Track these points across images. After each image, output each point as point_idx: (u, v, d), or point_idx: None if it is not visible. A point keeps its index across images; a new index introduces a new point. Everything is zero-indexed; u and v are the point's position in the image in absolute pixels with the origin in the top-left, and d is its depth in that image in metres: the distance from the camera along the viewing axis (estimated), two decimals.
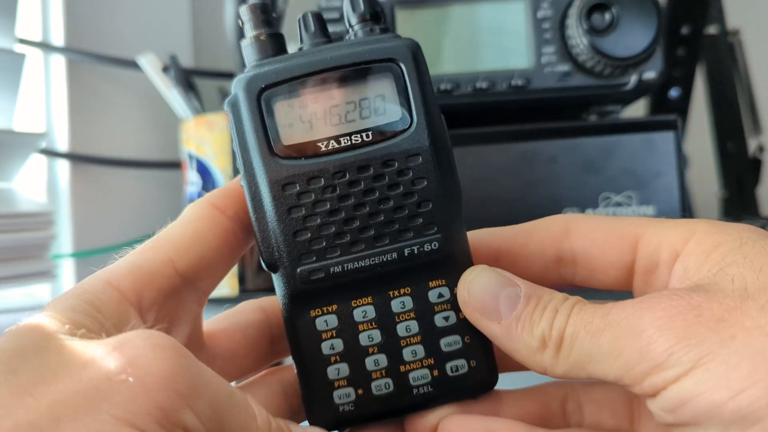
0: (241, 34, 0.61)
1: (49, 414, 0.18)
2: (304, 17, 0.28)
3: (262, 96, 0.26)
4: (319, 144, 0.26)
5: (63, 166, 0.67)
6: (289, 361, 0.30)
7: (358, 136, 0.26)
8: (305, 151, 0.26)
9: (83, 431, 0.17)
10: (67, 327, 0.21)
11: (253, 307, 0.30)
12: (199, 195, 0.62)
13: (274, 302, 0.30)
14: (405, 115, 0.26)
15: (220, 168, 0.60)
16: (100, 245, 0.68)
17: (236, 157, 0.27)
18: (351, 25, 0.28)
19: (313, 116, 0.26)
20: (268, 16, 0.27)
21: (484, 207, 0.48)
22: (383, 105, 0.26)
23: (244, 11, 0.28)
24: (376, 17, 0.27)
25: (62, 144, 0.67)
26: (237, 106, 0.26)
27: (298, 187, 0.26)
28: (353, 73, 0.26)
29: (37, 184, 0.68)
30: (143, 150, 0.73)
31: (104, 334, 0.21)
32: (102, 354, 0.19)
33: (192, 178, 0.62)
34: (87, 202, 0.68)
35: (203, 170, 0.61)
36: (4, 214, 0.56)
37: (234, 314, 0.30)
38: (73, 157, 0.67)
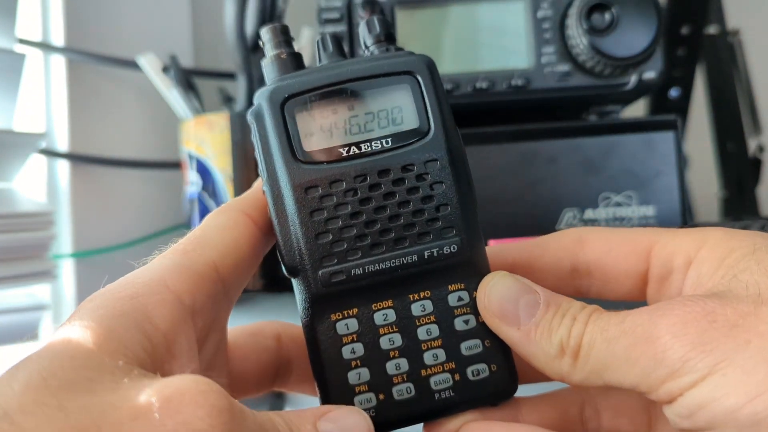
0: (241, 35, 0.61)
1: None
2: (323, 38, 0.29)
3: (286, 105, 0.27)
4: (341, 150, 0.27)
5: (63, 166, 0.67)
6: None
7: (378, 142, 0.27)
8: (327, 156, 0.27)
9: None
10: (121, 362, 0.20)
11: (271, 333, 0.31)
12: (199, 195, 0.62)
13: (290, 332, 0.31)
14: (423, 124, 0.27)
15: (220, 168, 0.60)
16: (100, 245, 0.68)
17: (259, 165, 0.27)
18: (367, 46, 0.29)
19: (334, 125, 0.27)
20: (287, 36, 0.29)
21: (484, 207, 0.48)
22: (401, 115, 0.27)
23: (265, 33, 0.29)
24: (391, 38, 0.29)
25: (62, 144, 0.67)
26: (261, 116, 0.27)
27: (320, 190, 0.26)
28: (372, 84, 0.27)
29: (37, 184, 0.68)
30: (143, 150, 0.73)
31: (153, 350, 0.21)
32: (158, 407, 0.18)
33: (192, 178, 0.62)
34: (87, 202, 0.68)
35: (203, 170, 0.61)
36: (4, 214, 0.56)
37: (253, 333, 0.30)
38: (73, 157, 0.67)
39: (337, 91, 0.27)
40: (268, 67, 0.28)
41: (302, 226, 0.26)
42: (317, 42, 0.29)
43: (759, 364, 0.20)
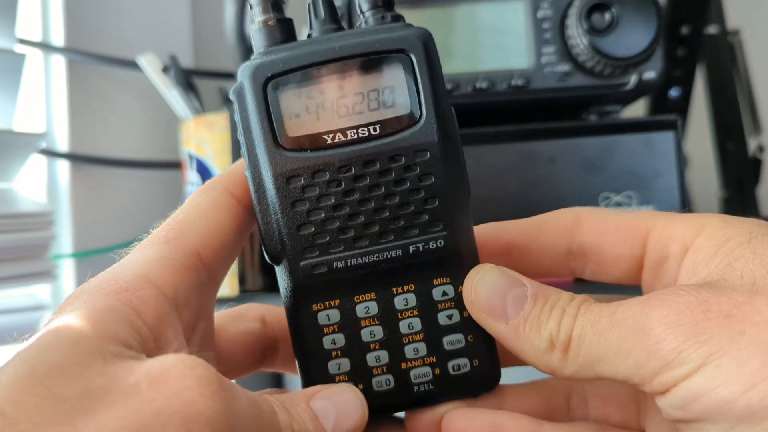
0: (241, 35, 0.61)
1: None
2: (314, 3, 0.27)
3: (268, 85, 0.25)
4: (326, 136, 0.25)
5: (63, 166, 0.67)
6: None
7: (366, 129, 0.25)
8: (311, 143, 0.25)
9: None
10: (111, 344, 0.20)
11: (255, 316, 0.30)
12: None
13: (275, 314, 0.30)
14: (414, 108, 0.25)
15: (220, 168, 0.60)
16: (100, 245, 0.68)
17: (241, 146, 0.26)
18: (362, 11, 0.27)
19: (320, 107, 0.25)
20: (277, 0, 0.27)
21: (484, 207, 0.48)
22: (392, 97, 0.26)
23: None
24: (388, 4, 0.27)
25: (62, 144, 0.67)
26: (242, 95, 0.26)
27: (302, 181, 0.25)
28: (362, 63, 0.25)
29: (37, 184, 0.68)
30: (143, 150, 0.73)
31: (142, 342, 0.21)
32: (147, 384, 0.19)
33: (192, 178, 0.62)
34: (87, 202, 0.68)
35: (203, 170, 0.61)
36: (4, 214, 0.56)
37: (238, 317, 0.30)
38: (73, 157, 0.67)
39: (323, 71, 0.25)
40: (255, 34, 0.27)
41: (284, 216, 0.25)
42: (308, 5, 0.27)
43: (753, 355, 0.20)
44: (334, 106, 0.25)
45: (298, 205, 0.25)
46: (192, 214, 0.26)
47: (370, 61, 0.25)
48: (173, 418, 0.18)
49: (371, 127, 0.25)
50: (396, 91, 0.26)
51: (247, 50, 0.61)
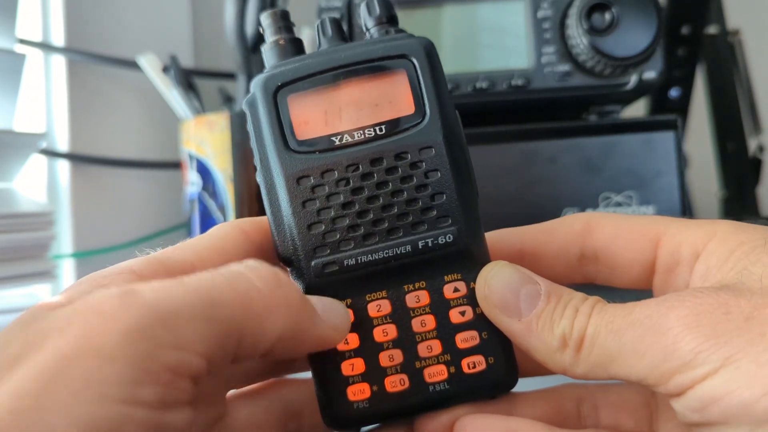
0: (241, 35, 0.61)
1: (29, 394, 0.18)
2: (322, 23, 0.28)
3: (278, 93, 0.27)
4: (333, 138, 0.26)
5: (63, 166, 0.67)
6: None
7: (372, 129, 0.26)
8: (319, 145, 0.26)
9: (57, 404, 0.18)
10: (51, 305, 0.21)
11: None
12: (199, 195, 0.62)
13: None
14: (418, 109, 0.27)
15: (220, 168, 0.60)
16: (100, 245, 0.68)
17: (254, 154, 0.27)
18: (367, 28, 0.29)
19: (328, 111, 0.27)
20: (287, 22, 0.29)
21: (484, 207, 0.48)
22: (396, 100, 0.27)
23: (265, 17, 0.29)
24: (392, 20, 0.28)
25: (62, 144, 0.67)
26: (254, 105, 0.27)
27: (312, 180, 0.26)
28: (367, 69, 0.27)
29: (37, 184, 0.68)
30: (143, 150, 0.73)
31: None
32: (68, 322, 0.20)
33: (192, 178, 0.62)
34: (87, 202, 0.68)
35: (203, 170, 0.61)
36: (4, 214, 0.56)
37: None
38: (73, 157, 0.67)
39: (330, 77, 0.27)
40: (267, 53, 0.28)
41: (294, 216, 0.26)
42: (317, 26, 0.29)
43: None
44: (341, 110, 0.27)
45: (309, 205, 0.26)
46: (197, 238, 0.27)
47: (375, 66, 0.27)
48: (90, 351, 0.19)
49: (377, 128, 0.26)
50: (400, 93, 0.27)
51: (247, 50, 0.61)
